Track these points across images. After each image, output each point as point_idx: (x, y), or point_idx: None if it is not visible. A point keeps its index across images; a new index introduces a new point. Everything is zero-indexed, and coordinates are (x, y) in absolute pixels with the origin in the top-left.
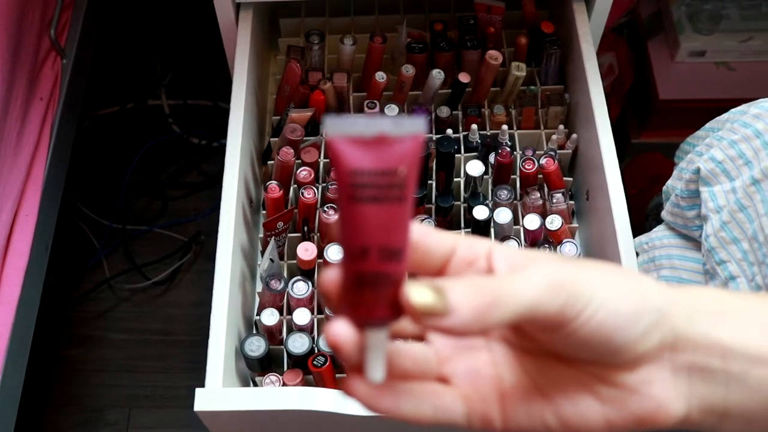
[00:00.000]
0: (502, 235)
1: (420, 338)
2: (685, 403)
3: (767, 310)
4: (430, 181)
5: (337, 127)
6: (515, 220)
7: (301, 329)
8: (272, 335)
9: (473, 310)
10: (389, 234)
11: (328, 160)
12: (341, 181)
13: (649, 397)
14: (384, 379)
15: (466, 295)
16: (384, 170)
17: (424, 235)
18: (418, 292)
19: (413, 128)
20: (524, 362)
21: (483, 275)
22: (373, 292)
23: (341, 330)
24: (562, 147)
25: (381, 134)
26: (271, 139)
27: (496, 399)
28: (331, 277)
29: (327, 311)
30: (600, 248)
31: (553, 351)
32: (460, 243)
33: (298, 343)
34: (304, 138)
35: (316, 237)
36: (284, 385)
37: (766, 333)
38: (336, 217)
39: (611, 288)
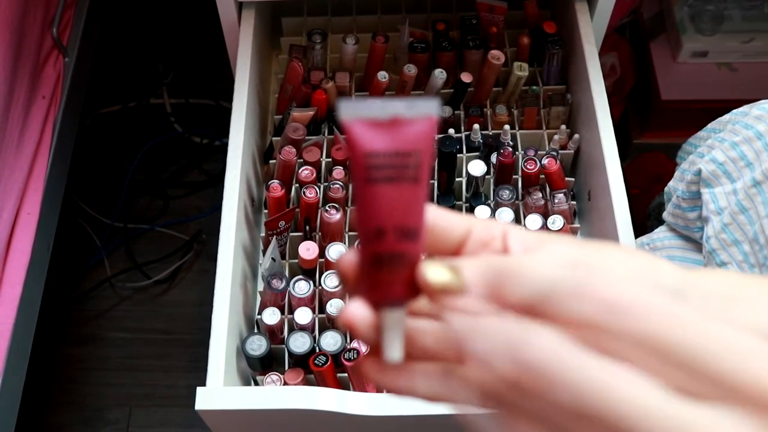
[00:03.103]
0: None
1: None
2: None
3: None
4: (432, 181)
5: (351, 110)
6: (517, 221)
7: (302, 328)
8: (273, 334)
9: (489, 288)
10: (405, 214)
11: (330, 160)
12: (357, 163)
13: None
14: (401, 358)
15: (481, 272)
16: (399, 151)
17: (440, 216)
18: (434, 271)
19: (427, 110)
20: None
21: (499, 255)
22: (389, 272)
23: (357, 310)
24: (564, 147)
25: (395, 116)
26: (273, 138)
27: None
28: (348, 258)
29: (328, 311)
30: None
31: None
32: (475, 224)
33: (299, 343)
34: (306, 137)
35: (317, 236)
36: (285, 384)
37: None
38: (337, 217)
39: (626, 268)
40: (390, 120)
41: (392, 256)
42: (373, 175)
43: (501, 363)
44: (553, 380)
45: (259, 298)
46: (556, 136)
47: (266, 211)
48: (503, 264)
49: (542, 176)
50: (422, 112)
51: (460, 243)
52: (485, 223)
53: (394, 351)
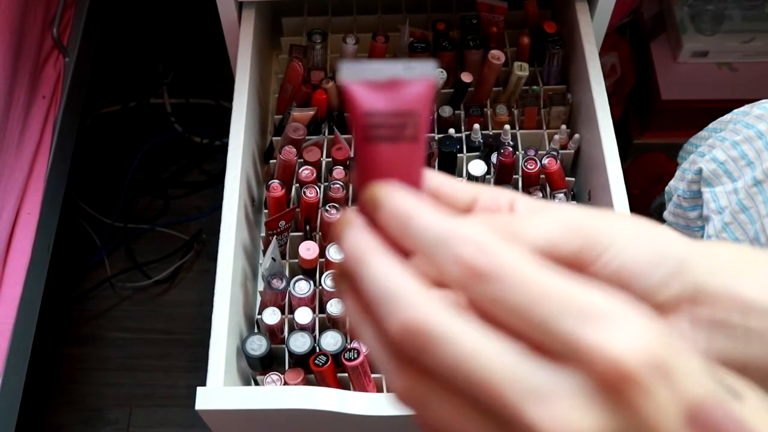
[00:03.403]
0: None
1: None
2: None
3: None
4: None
5: (351, 72)
6: None
7: (302, 328)
8: (274, 334)
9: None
10: (404, 173)
11: (330, 160)
12: (356, 122)
13: None
14: None
15: (478, 230)
16: (397, 111)
17: (446, 183)
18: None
19: (425, 71)
20: None
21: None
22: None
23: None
24: (564, 147)
25: (393, 78)
26: (273, 138)
27: None
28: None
29: (329, 311)
30: None
31: None
32: (482, 192)
33: (299, 343)
34: (306, 137)
35: (317, 236)
36: (285, 384)
37: None
38: (336, 217)
39: (632, 234)
40: (389, 81)
41: None
42: (372, 133)
43: (387, 320)
44: (432, 345)
45: (259, 298)
46: (556, 136)
47: (266, 210)
48: (502, 222)
49: (542, 176)
50: (420, 74)
51: (466, 210)
52: (492, 192)
53: None
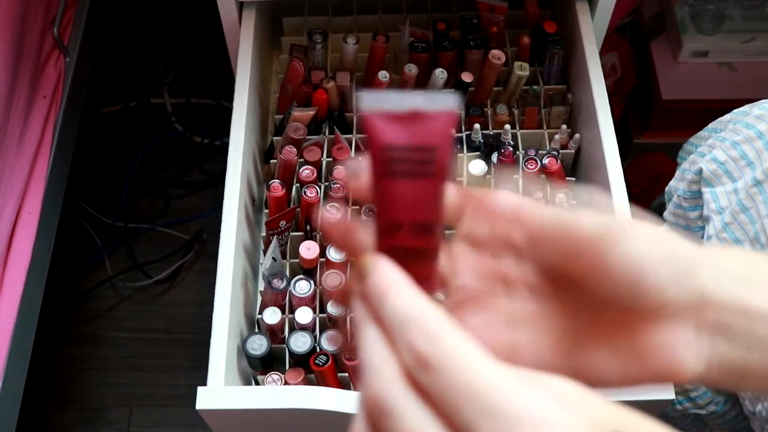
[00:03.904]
0: None
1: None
2: (705, 363)
3: None
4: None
5: (371, 103)
6: None
7: (303, 328)
8: (274, 334)
9: (514, 202)
10: (422, 209)
11: (330, 159)
12: (375, 156)
13: (670, 356)
14: None
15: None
16: (417, 146)
17: (526, 204)
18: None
19: (446, 104)
20: (545, 312)
21: None
22: (405, 266)
23: (333, 214)
24: (564, 147)
25: (414, 110)
26: (274, 138)
27: (508, 346)
28: (332, 216)
29: (329, 311)
30: None
31: (579, 293)
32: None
33: (299, 342)
34: (307, 137)
35: (318, 236)
36: (286, 383)
37: None
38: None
39: (647, 233)
40: (409, 113)
41: (408, 250)
42: (392, 168)
43: (364, 386)
44: (386, 418)
45: (259, 298)
46: (556, 136)
47: (267, 210)
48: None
49: (543, 176)
50: (442, 106)
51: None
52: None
53: None
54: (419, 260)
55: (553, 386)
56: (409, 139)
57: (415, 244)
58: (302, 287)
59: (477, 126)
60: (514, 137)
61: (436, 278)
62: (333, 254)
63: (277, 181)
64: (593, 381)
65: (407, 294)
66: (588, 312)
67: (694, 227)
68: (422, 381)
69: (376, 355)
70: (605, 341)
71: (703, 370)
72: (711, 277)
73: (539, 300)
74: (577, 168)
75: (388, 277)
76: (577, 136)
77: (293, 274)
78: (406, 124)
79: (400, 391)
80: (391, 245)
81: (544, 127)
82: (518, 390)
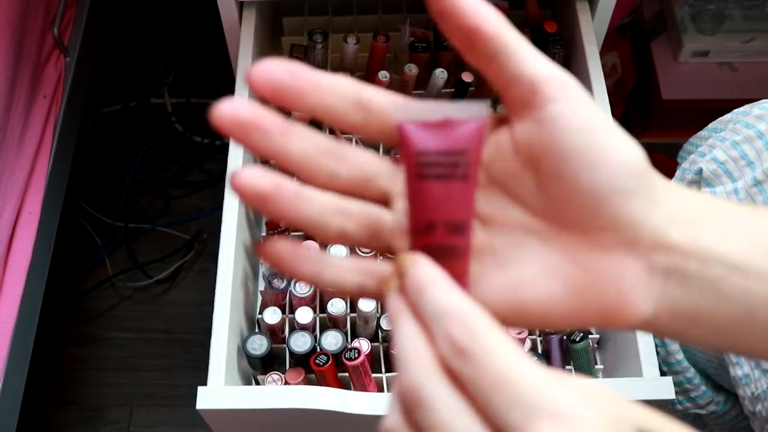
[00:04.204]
0: None
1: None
2: (654, 305)
3: (755, 221)
4: None
5: (404, 112)
6: None
7: (303, 328)
8: (274, 334)
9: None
10: (455, 209)
11: None
12: (409, 161)
13: (617, 289)
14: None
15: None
16: (449, 150)
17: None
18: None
19: (477, 111)
20: (494, 236)
21: None
22: (441, 264)
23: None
24: None
25: (446, 117)
26: None
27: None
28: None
29: (330, 311)
30: None
31: (535, 189)
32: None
33: (300, 342)
34: None
35: None
36: (286, 383)
37: (748, 241)
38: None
39: (620, 138)
40: (441, 121)
41: (443, 249)
42: (425, 172)
43: (400, 377)
44: (420, 407)
45: (260, 298)
46: None
47: None
48: None
49: None
50: (472, 114)
51: None
52: None
53: None
54: (453, 258)
55: (581, 386)
56: (442, 144)
57: (450, 243)
58: (302, 287)
59: None
60: None
61: (469, 275)
62: (332, 253)
63: None
64: (536, 315)
65: (446, 288)
66: (536, 236)
67: None
68: (458, 369)
69: (412, 347)
70: (554, 267)
71: (651, 313)
72: (664, 216)
73: (491, 226)
74: None
75: (428, 272)
76: None
77: None
78: (439, 131)
79: (434, 381)
80: (426, 243)
81: None
82: (548, 385)
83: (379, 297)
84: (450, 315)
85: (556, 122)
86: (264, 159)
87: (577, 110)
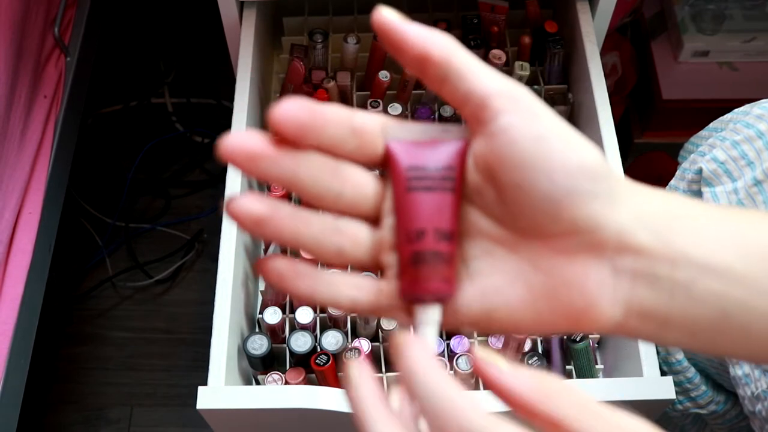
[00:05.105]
0: None
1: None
2: (623, 308)
3: (729, 222)
4: None
5: (397, 133)
6: None
7: (303, 328)
8: (275, 334)
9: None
10: (442, 218)
11: None
12: (399, 176)
13: (581, 292)
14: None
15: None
16: (436, 166)
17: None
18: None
19: (460, 134)
20: (465, 247)
21: None
22: (429, 268)
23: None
24: None
25: (434, 137)
26: None
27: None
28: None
29: (330, 311)
30: None
31: (496, 201)
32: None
33: (300, 342)
34: None
35: None
36: (286, 383)
37: (721, 243)
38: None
39: (576, 142)
40: (430, 140)
41: (433, 254)
42: (414, 184)
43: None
44: None
45: (260, 298)
46: None
47: None
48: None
49: None
50: (456, 136)
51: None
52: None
53: (430, 344)
54: (442, 263)
55: None
56: (432, 160)
57: (439, 249)
58: None
59: None
60: None
61: (455, 280)
62: None
63: None
64: (504, 322)
65: (434, 379)
66: (502, 246)
67: None
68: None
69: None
70: (519, 275)
71: (620, 316)
72: (631, 217)
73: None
74: None
75: (415, 358)
76: None
77: None
78: (427, 149)
79: None
80: (417, 249)
81: None
82: None
83: (370, 312)
84: (450, 408)
85: (507, 133)
86: (269, 184)
87: (528, 119)
